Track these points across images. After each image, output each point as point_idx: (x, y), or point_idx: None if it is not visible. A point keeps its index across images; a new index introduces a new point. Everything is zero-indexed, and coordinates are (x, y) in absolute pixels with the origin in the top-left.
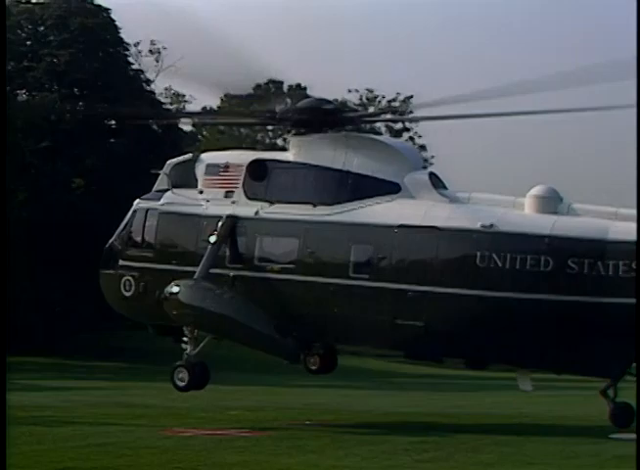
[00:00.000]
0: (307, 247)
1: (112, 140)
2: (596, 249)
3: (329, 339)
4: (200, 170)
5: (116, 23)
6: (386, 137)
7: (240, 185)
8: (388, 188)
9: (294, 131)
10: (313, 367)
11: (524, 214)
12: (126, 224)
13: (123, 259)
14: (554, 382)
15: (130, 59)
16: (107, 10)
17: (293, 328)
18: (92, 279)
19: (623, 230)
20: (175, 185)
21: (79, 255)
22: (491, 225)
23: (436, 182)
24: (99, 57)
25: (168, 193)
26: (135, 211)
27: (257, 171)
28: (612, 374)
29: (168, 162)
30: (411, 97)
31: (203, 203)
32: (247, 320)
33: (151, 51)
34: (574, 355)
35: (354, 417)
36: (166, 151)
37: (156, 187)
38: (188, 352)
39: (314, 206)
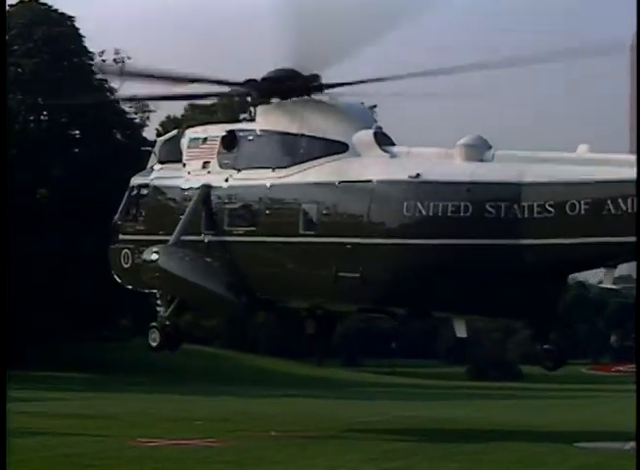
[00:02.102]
0: (265, 209)
1: (76, 150)
2: (511, 192)
3: (280, 295)
4: (184, 145)
5: (81, 31)
6: (337, 100)
7: (215, 156)
8: (337, 148)
9: (261, 100)
10: (310, 331)
11: (450, 163)
12: (124, 201)
13: (122, 234)
14: (514, 391)
15: (94, 68)
16: (71, 18)
17: (247, 287)
18: (61, 289)
19: (538, 173)
20: (164, 161)
21: (46, 264)
22: (417, 175)
23: (383, 139)
24: (63, 66)
25: (157, 168)
26: (131, 188)
27: (229, 141)
28: (535, 316)
29: (158, 139)
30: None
31: (185, 175)
32: (200, 281)
33: (115, 60)
34: (499, 299)
35: (320, 427)
36: (130, 159)
37: (149, 164)
38: (161, 313)
39: (273, 170)
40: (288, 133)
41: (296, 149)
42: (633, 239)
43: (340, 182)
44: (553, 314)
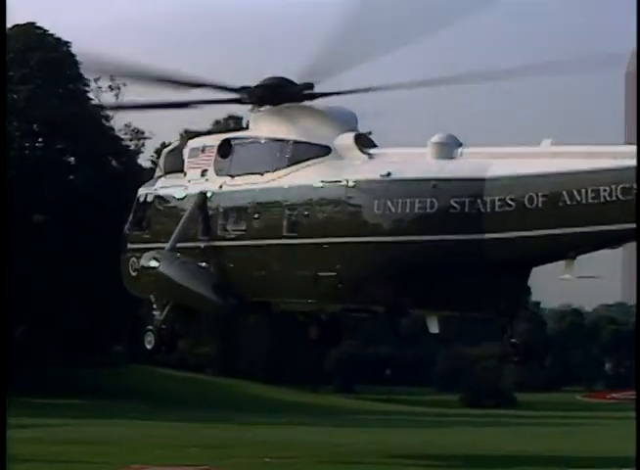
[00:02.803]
0: (253, 213)
1: (71, 176)
2: (475, 188)
3: (269, 297)
4: (185, 155)
5: (77, 57)
6: (321, 104)
7: (212, 164)
8: (320, 151)
9: (253, 108)
10: (314, 336)
11: (421, 161)
12: (132, 211)
13: (130, 243)
14: (508, 418)
15: (90, 94)
16: (67, 44)
17: (238, 289)
18: (54, 315)
19: (500, 168)
20: (168, 171)
21: (40, 290)
22: (388, 174)
23: (364, 141)
24: (59, 93)
25: (161, 178)
26: (137, 198)
27: (224, 149)
28: (501, 310)
29: (163, 150)
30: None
31: (185, 183)
32: (190, 284)
33: (110, 87)
34: (467, 294)
35: (315, 454)
36: (125, 186)
37: (155, 175)
38: (156, 317)
39: (262, 175)
40: (276, 139)
41: (282, 153)
42: (590, 229)
43: (319, 184)
44: (518, 307)
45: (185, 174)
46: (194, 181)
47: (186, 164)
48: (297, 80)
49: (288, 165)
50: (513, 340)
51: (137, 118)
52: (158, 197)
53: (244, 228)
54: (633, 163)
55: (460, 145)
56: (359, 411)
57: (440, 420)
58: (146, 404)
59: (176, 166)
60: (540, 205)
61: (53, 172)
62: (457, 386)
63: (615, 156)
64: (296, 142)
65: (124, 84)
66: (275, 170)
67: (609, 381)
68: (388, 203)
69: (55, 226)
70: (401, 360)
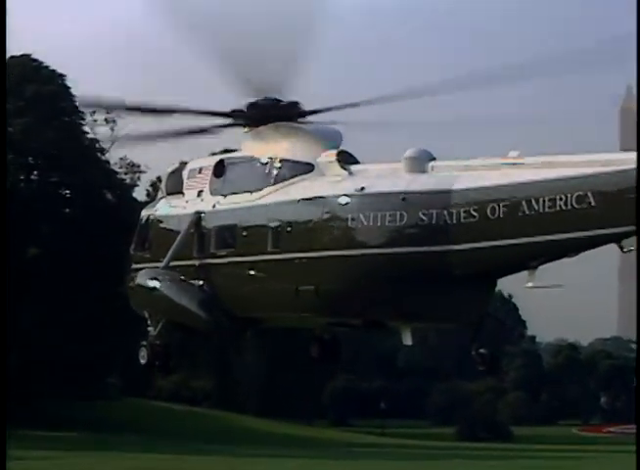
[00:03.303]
0: (242, 230)
1: (66, 210)
2: (441, 200)
3: (255, 312)
4: (184, 176)
5: (72, 90)
6: (307, 124)
7: (207, 184)
8: (304, 168)
9: (246, 129)
10: (315, 355)
11: (395, 176)
12: (136, 232)
13: (134, 263)
14: (505, 452)
15: (85, 128)
16: (61, 76)
17: (227, 305)
18: (48, 348)
19: (466, 180)
20: (170, 192)
21: (34, 323)
22: (362, 188)
23: (346, 158)
24: (54, 126)
25: (162, 199)
26: (140, 219)
27: (219, 170)
28: (470, 320)
29: (166, 171)
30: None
31: (183, 204)
32: (177, 299)
33: (106, 120)
34: (436, 304)
35: None
36: (120, 219)
37: (158, 196)
38: (150, 333)
39: (250, 193)
40: (263, 158)
41: (269, 172)
42: (547, 238)
43: (299, 200)
44: (484, 317)
45: (183, 195)
46: (191, 201)
47: (185, 184)
48: (283, 98)
49: (274, 183)
50: (481, 350)
51: (132, 152)
52: (158, 217)
53: (233, 245)
54: (589, 171)
55: (432, 159)
56: (353, 444)
57: (435, 453)
58: (141, 437)
59: (177, 188)
60: (501, 215)
61: (48, 205)
62: (452, 419)
63: (574, 165)
64: (282, 160)
65: (120, 117)
66: (262, 189)
67: (605, 415)
68: (361, 217)
69: (50, 259)
70: (396, 394)
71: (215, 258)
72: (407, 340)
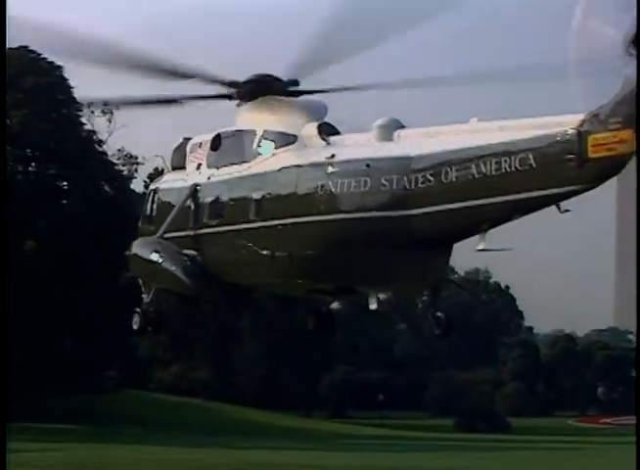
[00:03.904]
0: (230, 201)
1: (63, 201)
2: (401, 166)
3: (237, 278)
4: (187, 151)
5: (69, 81)
6: (295, 98)
7: (205, 157)
8: (289, 139)
9: (240, 103)
10: (312, 327)
11: (365, 144)
12: (144, 205)
13: (141, 235)
14: (502, 443)
15: (83, 119)
16: (59, 68)
17: (216, 273)
18: (48, 342)
19: (426, 146)
20: (175, 167)
21: (32, 317)
22: (332, 156)
23: (328, 130)
24: (52, 117)
25: (167, 174)
26: (147, 193)
27: (215, 143)
28: (428, 282)
29: (173, 148)
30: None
31: (184, 177)
32: (164, 265)
33: (103, 111)
34: (398, 268)
35: None
36: (118, 211)
37: (165, 171)
38: (144, 300)
39: (240, 165)
40: (253, 130)
41: (258, 143)
42: (495, 200)
43: (278, 170)
44: (442, 279)
45: (185, 169)
46: (191, 174)
47: (187, 159)
48: (282, 76)
49: (262, 154)
50: (437, 313)
51: (130, 144)
52: (162, 190)
53: (222, 215)
54: (530, 134)
55: (401, 127)
56: (352, 436)
57: (433, 444)
58: (140, 429)
59: (180, 162)
60: (454, 179)
61: (45, 197)
62: (450, 411)
63: (521, 128)
64: (270, 132)
65: (117, 108)
66: (251, 160)
67: (601, 406)
68: (330, 183)
69: (47, 252)
70: (394, 386)
71: (207, 227)
72: (373, 305)
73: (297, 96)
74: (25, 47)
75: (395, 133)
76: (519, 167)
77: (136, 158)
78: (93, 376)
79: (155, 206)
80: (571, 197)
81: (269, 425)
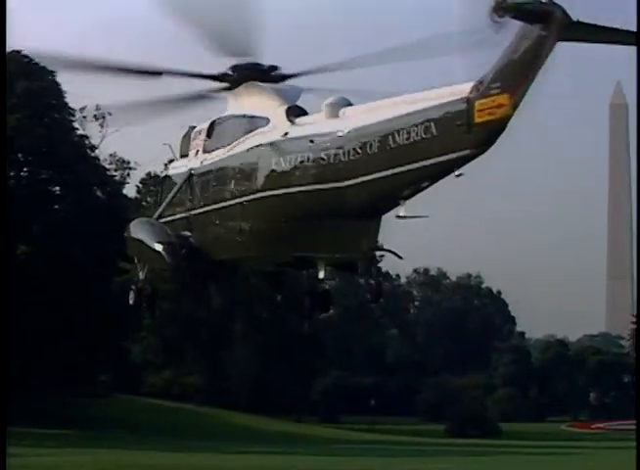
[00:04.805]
0: (212, 182)
1: (56, 206)
2: (338, 140)
3: (218, 254)
4: (191, 138)
5: (61, 86)
6: (273, 84)
7: (202, 143)
8: (262, 122)
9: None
10: (307, 305)
11: (314, 122)
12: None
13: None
14: (494, 448)
15: (75, 124)
16: (52, 73)
17: (203, 249)
18: (41, 346)
19: (360, 121)
20: (182, 154)
21: (25, 322)
22: (285, 134)
23: (295, 111)
24: (44, 122)
25: (174, 161)
26: (159, 180)
27: (210, 130)
28: (362, 250)
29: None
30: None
31: (186, 163)
32: (149, 243)
33: (95, 116)
34: (338, 238)
35: None
36: (110, 216)
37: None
38: (139, 277)
39: (224, 147)
40: (236, 115)
41: (239, 127)
42: (408, 168)
43: (247, 150)
44: (375, 248)
45: (187, 155)
46: (191, 160)
47: (190, 146)
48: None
49: (240, 136)
50: (371, 281)
51: (122, 149)
52: (167, 177)
53: (207, 196)
54: (431, 104)
55: (349, 105)
56: (343, 441)
57: (425, 450)
58: (132, 434)
59: (186, 150)
60: (376, 150)
61: (38, 202)
62: (442, 416)
63: (433, 98)
64: (246, 116)
65: (109, 113)
66: (231, 143)
67: (594, 411)
68: (281, 160)
69: (40, 257)
70: (386, 390)
71: (197, 208)
72: (321, 274)
73: (279, 81)
74: (18, 51)
75: (341, 110)
76: (424, 136)
77: (128, 163)
78: (86, 381)
79: (161, 190)
80: (466, 161)
81: (261, 430)
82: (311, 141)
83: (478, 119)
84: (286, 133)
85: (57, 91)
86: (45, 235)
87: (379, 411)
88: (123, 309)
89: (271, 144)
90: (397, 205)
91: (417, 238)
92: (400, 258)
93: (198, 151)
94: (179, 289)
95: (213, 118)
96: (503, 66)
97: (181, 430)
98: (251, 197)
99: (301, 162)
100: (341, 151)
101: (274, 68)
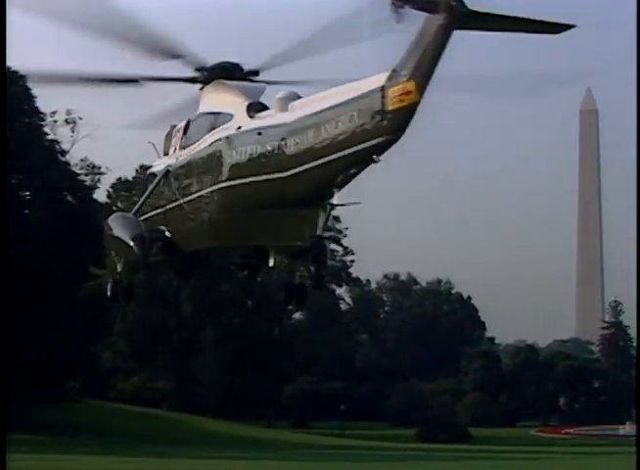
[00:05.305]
0: (182, 178)
1: (26, 211)
2: (282, 133)
3: (187, 245)
4: (172, 136)
5: (32, 91)
6: (239, 82)
7: (179, 141)
8: (227, 119)
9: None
10: (284, 297)
11: (266, 116)
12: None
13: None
14: (463, 452)
15: (46, 129)
16: (23, 77)
17: (175, 242)
18: (7, 351)
19: (298, 113)
20: (165, 153)
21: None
22: (239, 128)
23: (257, 107)
24: (15, 127)
25: (157, 159)
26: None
27: (186, 127)
28: (306, 238)
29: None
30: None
31: (165, 161)
32: (122, 237)
33: (67, 121)
34: (283, 227)
35: None
36: (81, 221)
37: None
38: (117, 270)
39: (195, 143)
40: (205, 112)
41: (207, 124)
42: (336, 156)
43: (209, 145)
44: (318, 237)
45: (167, 153)
46: (170, 158)
47: (171, 144)
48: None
49: (207, 132)
50: (311, 267)
51: (93, 154)
52: (149, 174)
53: (177, 191)
54: (355, 94)
55: (298, 98)
56: (313, 446)
57: (394, 454)
58: (101, 439)
59: (167, 148)
60: (311, 140)
61: (8, 207)
62: (412, 421)
63: (355, 89)
64: (214, 113)
65: (80, 118)
66: (200, 139)
67: (563, 416)
68: (234, 152)
69: (10, 262)
70: (356, 396)
71: (170, 203)
72: (271, 262)
73: (245, 78)
74: None
75: (290, 104)
76: (349, 124)
77: (99, 168)
78: (55, 386)
79: (143, 188)
80: (385, 148)
81: (231, 435)
82: (259, 133)
83: (390, 107)
84: (239, 127)
85: (27, 96)
86: (15, 241)
87: (349, 416)
88: (93, 315)
89: (227, 138)
90: (332, 193)
91: (387, 243)
92: (339, 245)
93: (175, 148)
94: (149, 294)
95: (189, 117)
96: (408, 54)
97: (151, 435)
98: (209, 189)
99: (250, 154)
100: (283, 142)
101: (254, 72)
